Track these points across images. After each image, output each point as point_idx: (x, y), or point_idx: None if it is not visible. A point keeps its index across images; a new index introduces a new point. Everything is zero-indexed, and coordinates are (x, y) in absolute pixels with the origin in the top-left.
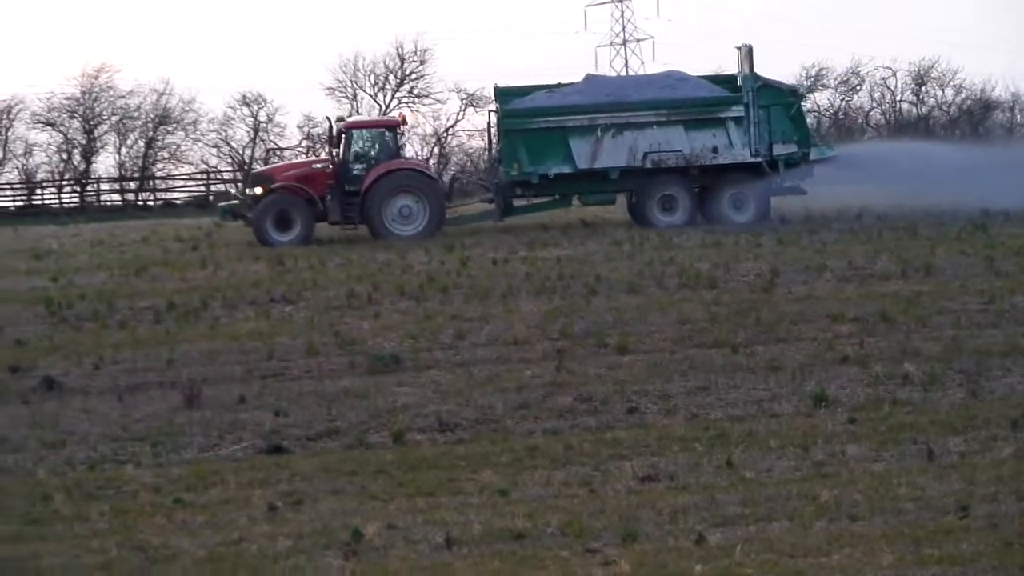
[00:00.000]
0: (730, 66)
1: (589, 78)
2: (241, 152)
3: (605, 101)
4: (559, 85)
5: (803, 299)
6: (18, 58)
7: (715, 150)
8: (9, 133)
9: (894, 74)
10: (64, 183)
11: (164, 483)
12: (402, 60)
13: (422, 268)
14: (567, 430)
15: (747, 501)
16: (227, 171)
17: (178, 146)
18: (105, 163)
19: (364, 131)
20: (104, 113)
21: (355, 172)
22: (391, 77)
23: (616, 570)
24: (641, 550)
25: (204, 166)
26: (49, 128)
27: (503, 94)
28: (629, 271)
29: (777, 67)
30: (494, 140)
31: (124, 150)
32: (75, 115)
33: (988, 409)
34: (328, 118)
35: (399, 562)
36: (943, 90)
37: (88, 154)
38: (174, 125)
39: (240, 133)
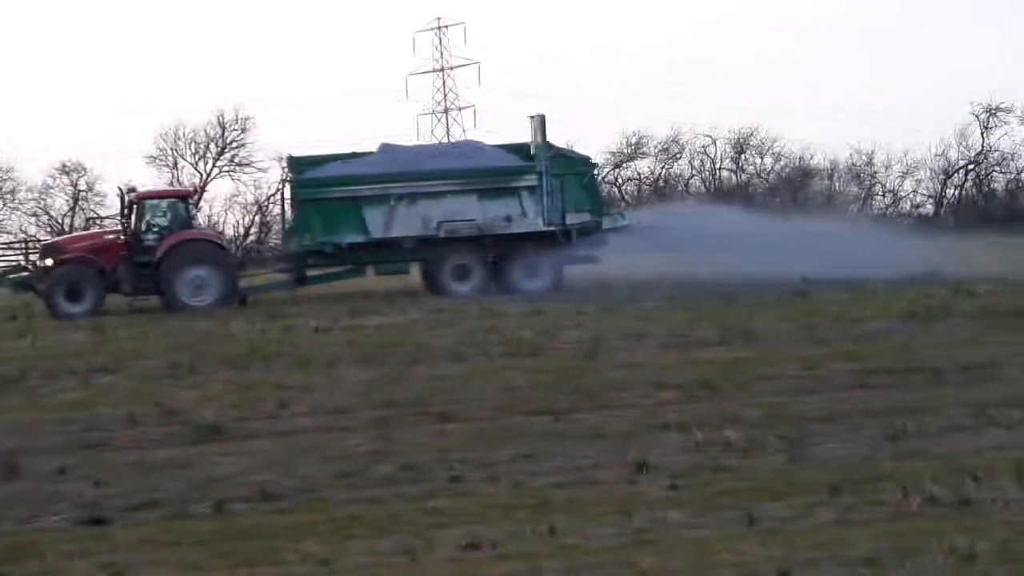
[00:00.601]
0: (555, 134)
1: (384, 147)
2: (60, 221)
3: (398, 171)
4: (354, 155)
5: (625, 366)
6: None
7: (508, 219)
8: None
9: (714, 142)
10: None
11: None
12: (223, 128)
13: (244, 337)
14: (390, 499)
15: (569, 569)
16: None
17: None
18: None
19: (156, 201)
20: None
21: (147, 242)
22: (212, 145)
23: None
24: None
25: (23, 235)
26: None
27: (296, 163)
28: (452, 339)
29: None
30: (287, 209)
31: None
32: None
33: (808, 474)
34: (120, 188)
35: None
36: (762, 158)
37: None
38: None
39: (59, 202)
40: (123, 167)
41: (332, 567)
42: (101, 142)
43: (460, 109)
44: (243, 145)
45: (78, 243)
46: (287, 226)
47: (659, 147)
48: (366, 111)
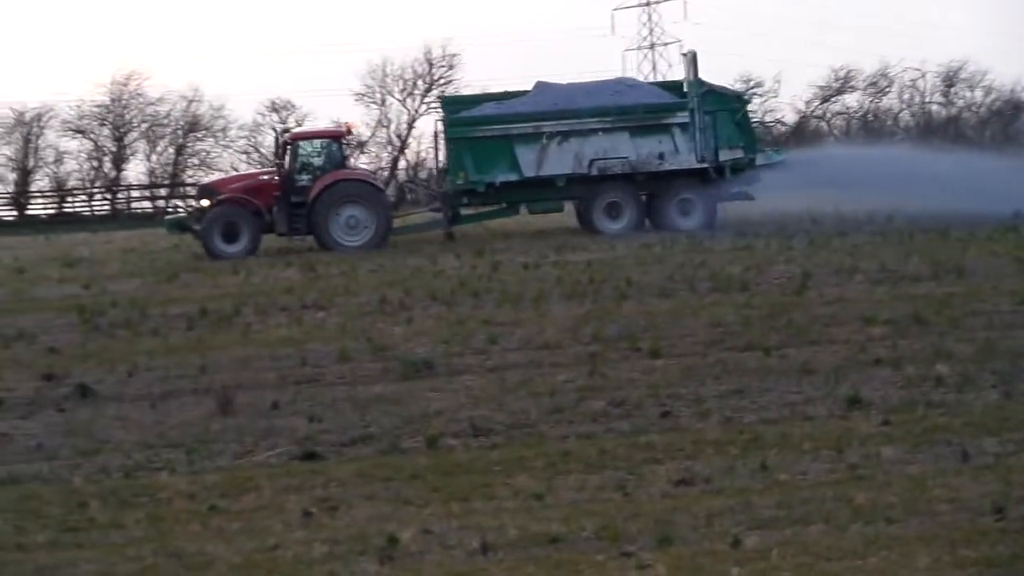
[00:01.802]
0: (759, 70)
1: (539, 86)
2: (270, 158)
3: (550, 109)
4: (508, 94)
5: (835, 302)
6: (47, 66)
7: (661, 156)
8: (40, 141)
9: (923, 76)
10: (95, 191)
11: (199, 490)
12: (430, 65)
13: (453, 273)
14: (601, 434)
15: (782, 504)
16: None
17: (208, 153)
18: (135, 170)
19: (309, 142)
20: (134, 120)
21: (301, 183)
22: (419, 82)
23: (652, 574)
24: (677, 554)
25: (234, 172)
26: (79, 136)
27: (449, 103)
28: (660, 275)
29: (806, 70)
30: (441, 149)
31: (154, 157)
32: (105, 122)
33: (1022, 410)
34: (274, 129)
35: (434, 567)
36: (972, 91)
37: (118, 161)
38: (203, 132)
39: (269, 139)
40: (331, 104)
41: (545, 502)
42: (310, 80)
43: (666, 44)
44: (450, 82)
45: (234, 184)
46: (440, 166)
47: (867, 81)
48: (572, 46)
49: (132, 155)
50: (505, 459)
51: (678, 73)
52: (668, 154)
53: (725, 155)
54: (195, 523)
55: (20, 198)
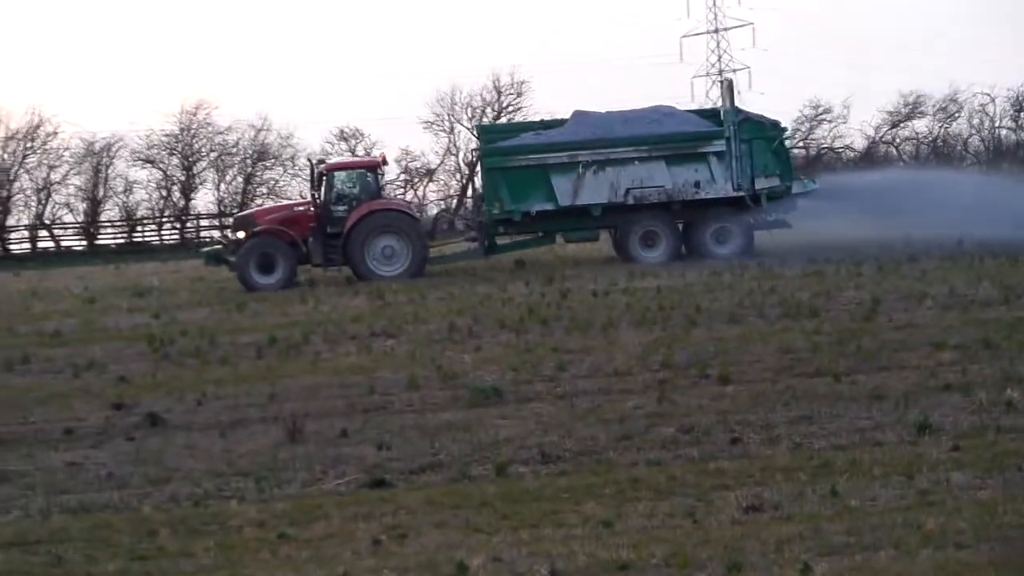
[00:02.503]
0: (827, 95)
1: (577, 115)
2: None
3: (585, 138)
4: (545, 123)
5: (904, 327)
6: (118, 96)
7: (697, 185)
8: (109, 171)
9: (992, 100)
10: (164, 220)
11: (268, 518)
12: (499, 92)
13: (522, 300)
14: (670, 461)
15: (852, 530)
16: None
17: (276, 181)
18: (204, 199)
19: (345, 172)
20: (203, 149)
21: (337, 214)
22: (488, 110)
23: None
24: None
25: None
26: (149, 165)
27: (486, 131)
28: (729, 301)
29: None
30: (477, 178)
31: (223, 186)
32: (174, 152)
33: None
34: (310, 160)
35: None
36: None
37: (187, 190)
38: (272, 160)
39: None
40: (400, 132)
41: (614, 528)
42: (378, 107)
43: (734, 71)
44: (519, 109)
45: (269, 215)
46: (476, 195)
47: (936, 106)
48: (640, 74)
49: (201, 184)
50: (574, 486)
51: (747, 99)
52: (704, 182)
53: (761, 183)
54: (264, 551)
55: (90, 228)
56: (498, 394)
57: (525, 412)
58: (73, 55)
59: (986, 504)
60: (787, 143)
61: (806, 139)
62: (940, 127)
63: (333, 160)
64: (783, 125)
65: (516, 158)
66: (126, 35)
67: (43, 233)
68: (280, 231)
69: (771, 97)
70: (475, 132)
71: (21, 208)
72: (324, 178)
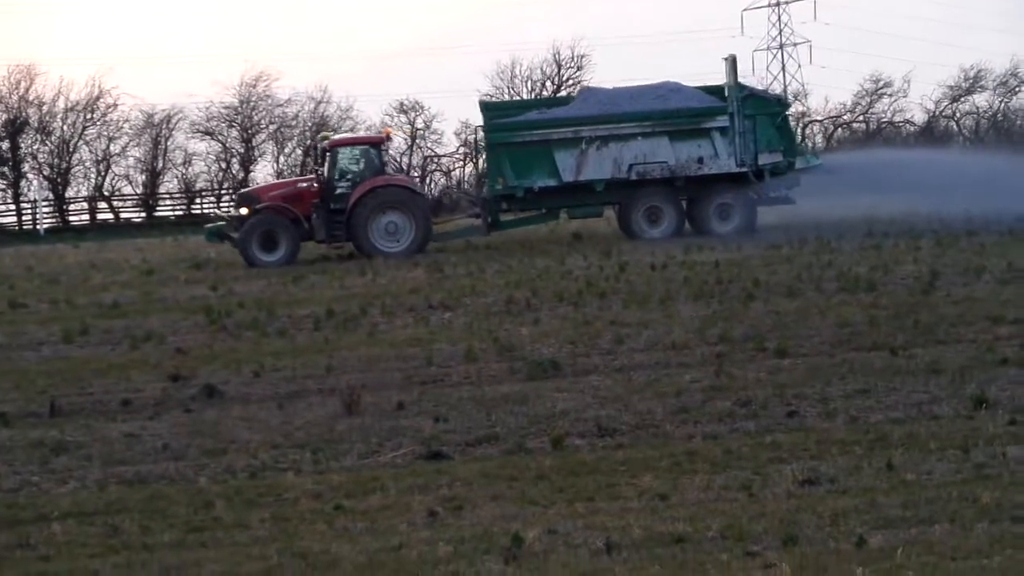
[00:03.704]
0: (889, 69)
1: (584, 91)
2: (398, 159)
3: (588, 114)
4: (550, 100)
5: (962, 301)
6: (177, 68)
7: (700, 161)
8: (169, 143)
9: None
10: (223, 192)
11: (324, 490)
12: (559, 66)
13: (580, 274)
14: (726, 434)
15: (908, 504)
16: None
17: None
18: (263, 171)
19: (348, 149)
20: (262, 122)
21: (340, 190)
22: (548, 83)
23: (777, 573)
24: (802, 553)
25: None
26: (208, 137)
27: (488, 108)
28: (787, 275)
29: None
30: (480, 155)
31: (282, 158)
32: (233, 124)
33: None
34: (313, 137)
35: (560, 567)
36: None
37: (246, 163)
38: (332, 132)
39: (397, 140)
40: (460, 105)
41: (669, 502)
42: (438, 80)
43: (795, 44)
44: (580, 82)
45: (272, 191)
46: (480, 171)
47: (997, 81)
48: (701, 46)
49: (260, 156)
50: (630, 459)
51: (806, 73)
52: (707, 158)
53: (764, 159)
54: (320, 523)
55: (149, 200)
56: (555, 367)
57: (582, 385)
58: (133, 26)
59: None
60: (790, 118)
61: (866, 113)
62: (1000, 102)
63: (337, 136)
64: (786, 100)
65: (519, 134)
66: (186, 6)
67: (102, 205)
68: (283, 208)
69: (831, 71)
70: (479, 108)
71: (81, 180)
72: (328, 154)
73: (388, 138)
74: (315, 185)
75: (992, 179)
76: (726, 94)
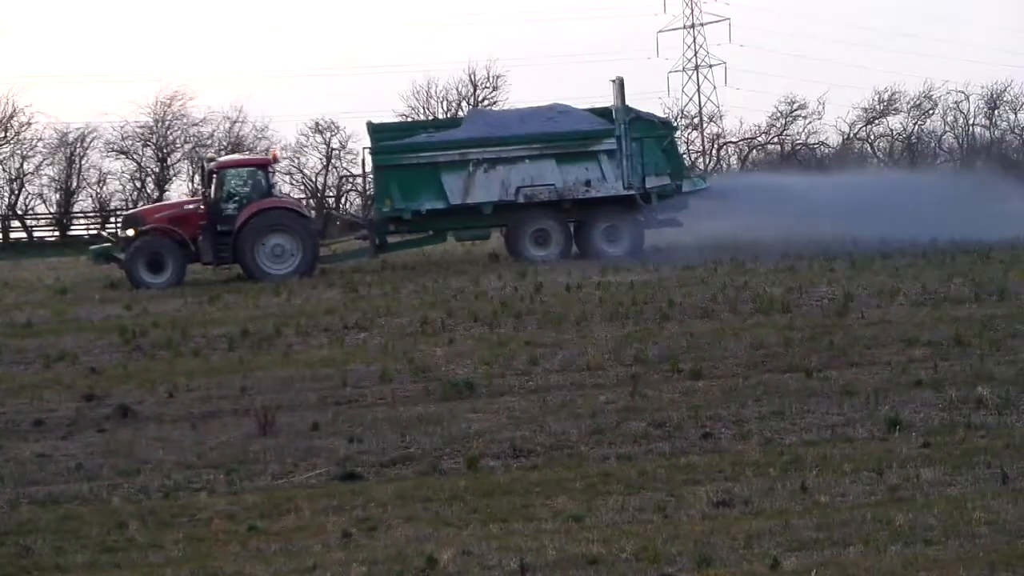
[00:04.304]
0: (803, 91)
1: (472, 113)
2: (314, 179)
3: (475, 136)
4: (439, 122)
5: (877, 323)
6: (91, 87)
7: (588, 183)
8: (83, 162)
9: (967, 98)
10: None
11: (238, 510)
12: (475, 86)
13: (495, 294)
14: (641, 455)
15: (822, 526)
16: (300, 198)
17: None
18: (179, 190)
19: (235, 170)
20: (177, 141)
21: (227, 212)
22: (464, 103)
23: None
24: (716, 575)
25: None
26: (123, 156)
27: (376, 130)
28: (702, 296)
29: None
30: (368, 177)
31: (197, 178)
32: (148, 143)
33: None
34: (201, 157)
35: None
36: (1016, 113)
37: (162, 182)
38: (247, 152)
39: (313, 160)
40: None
41: (584, 523)
42: (354, 100)
43: (711, 66)
44: (495, 103)
45: (158, 213)
46: (367, 193)
47: (911, 103)
48: (616, 68)
49: (175, 176)
50: (545, 480)
51: (721, 94)
52: (595, 181)
53: (652, 182)
54: (234, 544)
55: (63, 219)
56: (470, 388)
57: (497, 406)
58: (47, 45)
59: (955, 500)
60: (676, 142)
61: (781, 135)
62: (915, 124)
63: (223, 157)
64: (673, 123)
65: (406, 156)
66: (100, 25)
67: (15, 224)
68: (169, 230)
69: (746, 93)
70: (366, 130)
71: None
72: (214, 176)
73: (275, 160)
74: (202, 207)
75: (874, 202)
76: (613, 116)
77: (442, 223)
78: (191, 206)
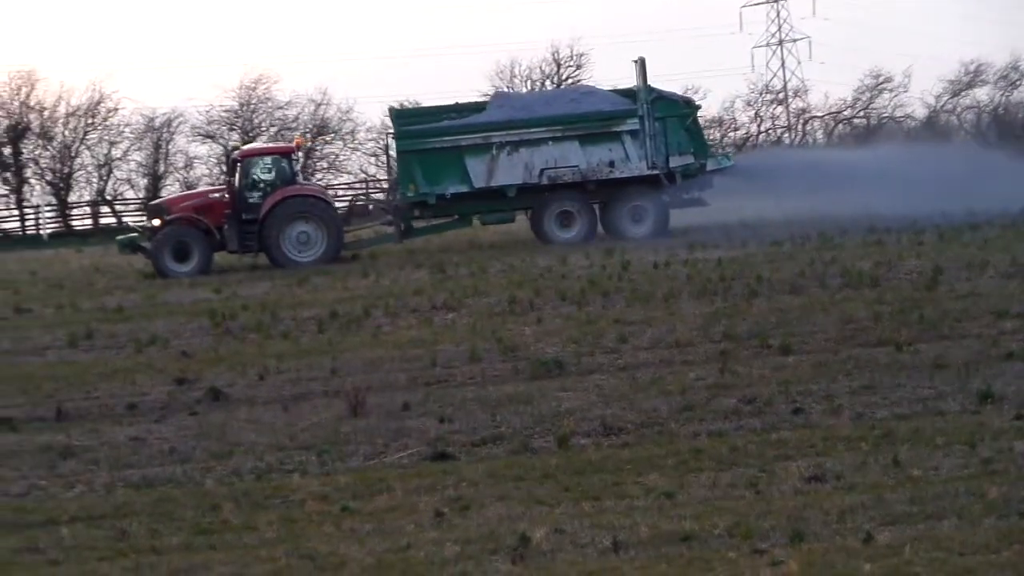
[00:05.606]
0: (889, 64)
1: (497, 96)
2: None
3: (497, 119)
4: (462, 106)
5: (966, 296)
6: (177, 72)
7: (611, 164)
8: (170, 146)
9: None
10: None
11: (331, 491)
12: (558, 65)
13: (583, 273)
14: (732, 432)
15: (915, 499)
16: (385, 180)
17: (336, 155)
18: None
19: (259, 159)
20: (262, 124)
21: (252, 200)
22: (547, 82)
23: (784, 570)
24: (809, 550)
25: (363, 175)
26: (209, 140)
27: (399, 115)
28: (790, 271)
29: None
30: (392, 162)
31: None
32: (234, 127)
33: None
34: (226, 146)
35: (567, 566)
36: None
37: None
38: (332, 135)
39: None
40: None
41: (676, 500)
42: (438, 81)
43: (795, 41)
44: (579, 81)
45: (184, 202)
46: (391, 178)
47: (998, 75)
48: (700, 44)
49: None
50: (636, 458)
51: (806, 69)
52: (618, 162)
53: (676, 161)
54: (327, 524)
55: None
56: (559, 366)
57: (586, 384)
58: (133, 31)
59: None
60: (699, 120)
61: (867, 109)
62: (1001, 95)
63: (247, 146)
64: (695, 102)
65: (429, 140)
66: (186, 10)
67: (105, 209)
68: (194, 219)
69: (831, 67)
70: (389, 115)
71: (83, 184)
72: (238, 164)
73: (299, 147)
74: (226, 195)
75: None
76: (636, 97)
77: (466, 207)
78: (216, 195)
